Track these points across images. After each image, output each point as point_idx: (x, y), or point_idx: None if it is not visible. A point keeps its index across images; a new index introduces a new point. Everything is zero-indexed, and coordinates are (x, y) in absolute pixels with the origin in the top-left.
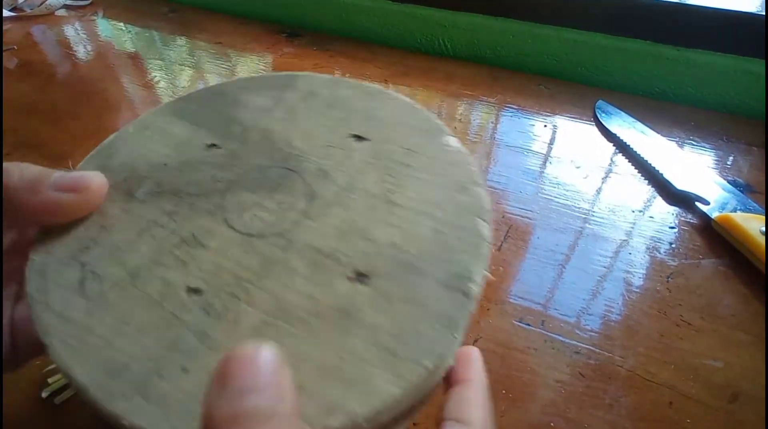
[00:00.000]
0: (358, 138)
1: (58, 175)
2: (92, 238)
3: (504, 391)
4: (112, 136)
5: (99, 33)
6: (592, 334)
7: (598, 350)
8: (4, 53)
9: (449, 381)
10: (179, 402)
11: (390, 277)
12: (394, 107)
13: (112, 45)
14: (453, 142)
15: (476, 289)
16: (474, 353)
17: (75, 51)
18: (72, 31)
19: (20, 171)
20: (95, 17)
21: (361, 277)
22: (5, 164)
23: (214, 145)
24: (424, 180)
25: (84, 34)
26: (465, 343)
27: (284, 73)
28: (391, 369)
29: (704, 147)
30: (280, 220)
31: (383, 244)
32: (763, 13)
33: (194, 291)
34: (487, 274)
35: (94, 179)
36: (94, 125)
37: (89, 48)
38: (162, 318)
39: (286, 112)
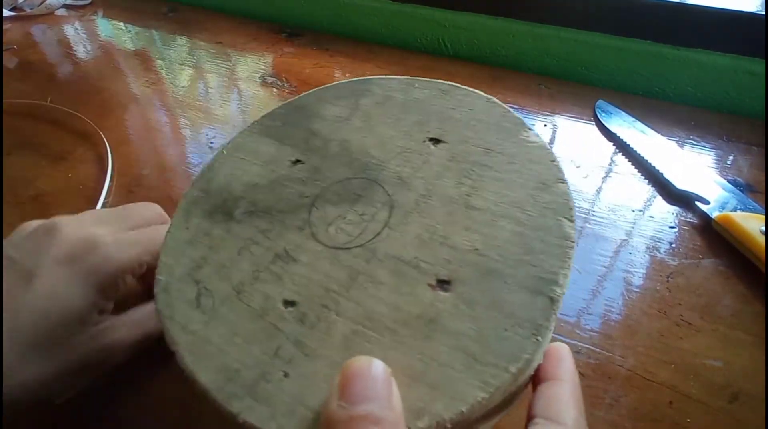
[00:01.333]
0: (435, 141)
1: None
2: (203, 256)
3: None
4: (210, 160)
5: (99, 33)
6: (592, 333)
7: (598, 350)
8: (4, 53)
9: (537, 378)
10: (283, 403)
11: (472, 283)
12: (470, 104)
13: (113, 45)
14: (533, 136)
15: (560, 291)
16: (563, 350)
17: (75, 51)
18: (72, 30)
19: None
20: (95, 17)
21: (443, 284)
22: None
23: (298, 161)
24: (504, 180)
25: (84, 33)
26: None
27: (358, 78)
28: (474, 374)
29: (704, 147)
30: (362, 231)
31: (464, 249)
32: (763, 13)
33: (290, 303)
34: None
35: None
36: (94, 125)
37: (89, 48)
38: (264, 329)
39: (362, 119)
